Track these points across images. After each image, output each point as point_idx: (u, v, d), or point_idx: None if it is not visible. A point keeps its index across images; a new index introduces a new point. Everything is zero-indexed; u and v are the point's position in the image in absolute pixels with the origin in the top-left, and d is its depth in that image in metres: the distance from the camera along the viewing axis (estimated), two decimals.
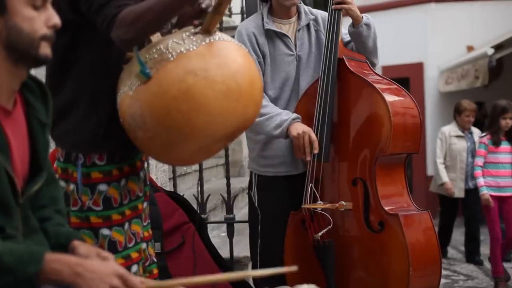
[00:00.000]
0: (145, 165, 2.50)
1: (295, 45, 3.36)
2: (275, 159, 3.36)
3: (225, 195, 4.25)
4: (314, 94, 3.25)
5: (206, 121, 2.06)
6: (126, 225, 2.32)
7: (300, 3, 3.43)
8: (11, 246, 1.56)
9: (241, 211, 5.50)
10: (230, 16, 7.01)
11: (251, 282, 3.62)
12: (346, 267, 3.21)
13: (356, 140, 3.23)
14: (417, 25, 11.94)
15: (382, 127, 3.11)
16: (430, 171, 11.65)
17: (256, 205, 3.39)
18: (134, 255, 2.33)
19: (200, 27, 2.14)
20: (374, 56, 3.38)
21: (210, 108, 2.05)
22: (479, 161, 6.19)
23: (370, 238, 3.14)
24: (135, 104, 2.10)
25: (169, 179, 4.82)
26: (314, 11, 3.46)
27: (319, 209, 3.21)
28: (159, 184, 4.25)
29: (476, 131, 7.34)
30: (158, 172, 4.63)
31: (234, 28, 5.20)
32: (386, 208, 3.10)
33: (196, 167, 4.82)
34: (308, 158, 3.17)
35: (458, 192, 7.27)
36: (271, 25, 3.34)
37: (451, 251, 7.79)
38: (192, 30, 2.14)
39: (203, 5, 2.21)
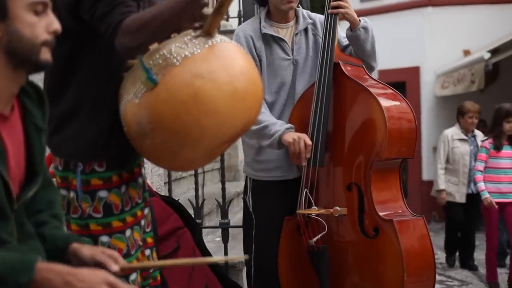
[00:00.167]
0: (143, 170, 2.49)
1: (292, 50, 3.35)
2: (270, 163, 3.35)
3: (220, 200, 4.25)
4: (310, 98, 3.25)
5: (215, 123, 2.07)
6: (128, 232, 2.30)
7: (298, 7, 3.44)
8: (3, 254, 1.56)
9: (236, 215, 5.49)
10: (227, 19, 7.02)
11: (245, 286, 3.62)
12: (340, 272, 3.21)
13: (351, 144, 3.23)
14: (413, 29, 11.97)
15: (377, 132, 3.11)
16: (425, 176, 11.68)
17: (251, 209, 3.38)
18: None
19: (200, 30, 2.14)
20: (373, 59, 3.38)
21: (219, 110, 2.05)
22: (480, 165, 6.06)
23: (364, 243, 3.14)
24: (142, 112, 2.09)
25: (164, 183, 4.80)
26: (313, 15, 3.46)
27: (314, 214, 3.20)
28: (154, 189, 4.24)
29: (479, 134, 7.17)
30: (153, 176, 4.62)
31: (231, 31, 5.20)
32: (380, 214, 3.10)
33: (191, 171, 4.81)
34: (304, 163, 3.17)
35: (460, 197, 7.13)
36: (268, 29, 3.33)
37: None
38: (193, 34, 2.15)
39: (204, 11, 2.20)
